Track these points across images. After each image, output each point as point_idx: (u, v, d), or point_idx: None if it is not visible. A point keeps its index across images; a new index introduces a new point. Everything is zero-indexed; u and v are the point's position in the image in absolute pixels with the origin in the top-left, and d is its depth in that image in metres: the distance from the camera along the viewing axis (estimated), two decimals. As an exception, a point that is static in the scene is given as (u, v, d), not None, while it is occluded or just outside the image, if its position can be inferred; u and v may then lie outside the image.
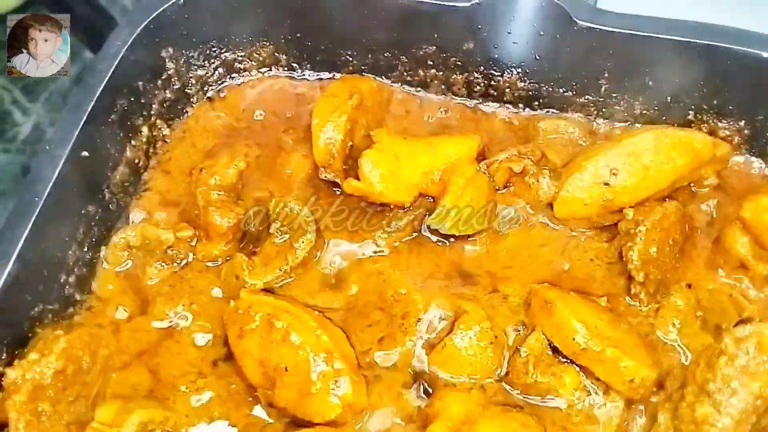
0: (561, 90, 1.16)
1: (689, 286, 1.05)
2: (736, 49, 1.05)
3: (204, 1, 1.13)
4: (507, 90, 1.18)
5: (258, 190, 1.13)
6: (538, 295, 1.01)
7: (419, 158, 1.09)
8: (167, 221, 1.11)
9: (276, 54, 1.23)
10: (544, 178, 1.08)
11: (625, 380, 0.94)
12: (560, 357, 0.98)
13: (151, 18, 1.09)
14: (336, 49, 1.21)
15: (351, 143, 1.12)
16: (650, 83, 1.12)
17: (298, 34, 1.20)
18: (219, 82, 1.24)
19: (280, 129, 1.20)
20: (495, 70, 1.17)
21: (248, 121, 1.21)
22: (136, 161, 1.14)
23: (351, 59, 1.21)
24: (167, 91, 1.17)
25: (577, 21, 1.07)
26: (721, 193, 1.12)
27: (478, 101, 1.21)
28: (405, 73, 1.21)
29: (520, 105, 1.20)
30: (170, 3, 1.10)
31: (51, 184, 0.96)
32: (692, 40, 1.05)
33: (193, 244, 1.08)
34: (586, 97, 1.16)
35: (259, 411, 0.98)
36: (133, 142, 1.12)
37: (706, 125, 1.13)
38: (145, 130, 1.14)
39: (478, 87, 1.20)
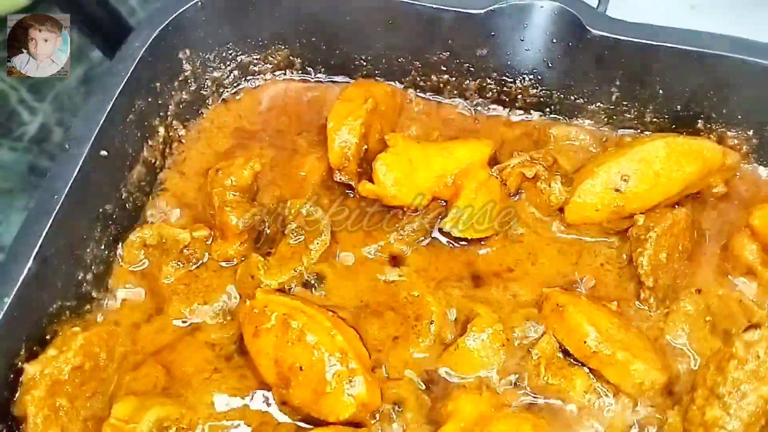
0: (572, 97, 1.18)
1: (699, 291, 1.06)
2: (746, 59, 1.06)
3: (222, 3, 1.15)
4: (519, 96, 1.20)
5: (273, 191, 1.14)
6: (550, 298, 1.02)
7: (433, 162, 1.10)
8: (183, 221, 1.12)
9: (291, 57, 1.24)
10: (556, 183, 1.09)
11: (635, 383, 0.96)
12: (571, 360, 1.00)
13: (170, 20, 1.10)
14: (350, 54, 1.22)
15: (366, 147, 1.13)
16: (660, 92, 1.13)
17: (313, 38, 1.21)
18: (234, 85, 1.25)
19: (294, 131, 1.21)
20: (507, 77, 1.18)
21: (263, 124, 1.23)
22: (153, 161, 1.15)
23: (365, 63, 1.23)
24: (183, 93, 1.18)
25: (590, 29, 1.08)
26: (730, 201, 1.14)
27: (490, 107, 1.23)
28: (418, 78, 1.22)
29: (532, 111, 1.21)
30: (189, 5, 1.12)
31: (70, 183, 0.97)
32: (703, 50, 1.07)
33: (209, 243, 1.09)
34: (598, 104, 1.18)
35: (273, 409, 0.99)
36: (150, 143, 1.13)
37: (714, 134, 1.15)
38: (161, 130, 1.15)
39: (491, 93, 1.21)
